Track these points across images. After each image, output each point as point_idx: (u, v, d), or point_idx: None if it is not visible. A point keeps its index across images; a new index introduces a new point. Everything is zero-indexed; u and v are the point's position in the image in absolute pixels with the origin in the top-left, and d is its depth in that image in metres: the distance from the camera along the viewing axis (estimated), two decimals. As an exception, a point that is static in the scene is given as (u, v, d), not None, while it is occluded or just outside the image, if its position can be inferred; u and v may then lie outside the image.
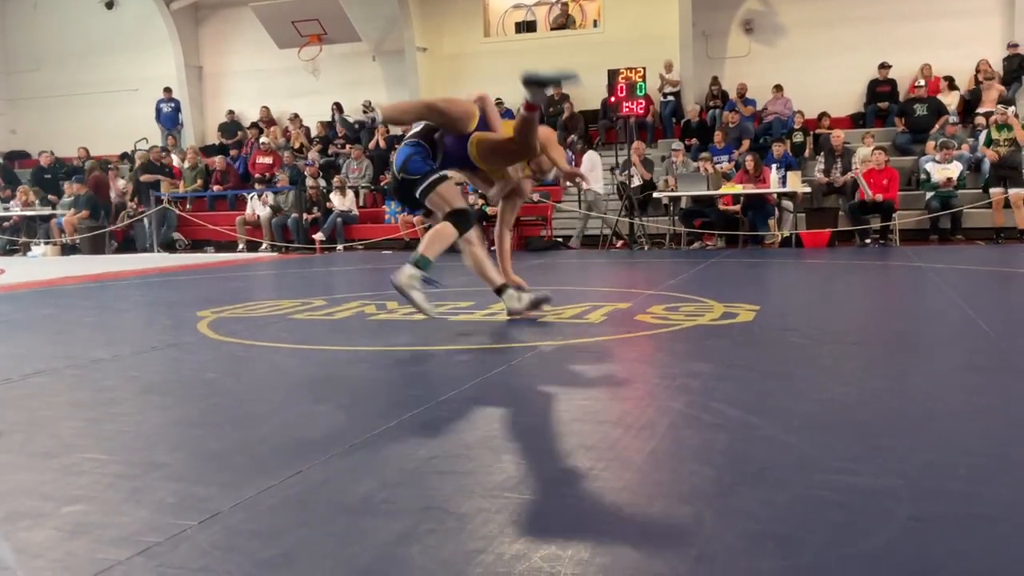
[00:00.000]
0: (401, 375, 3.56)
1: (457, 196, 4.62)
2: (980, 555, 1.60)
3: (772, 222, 11.31)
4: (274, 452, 2.37)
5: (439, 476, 2.12)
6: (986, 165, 11.53)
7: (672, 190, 11.65)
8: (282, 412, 2.86)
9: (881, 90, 13.76)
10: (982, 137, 11.86)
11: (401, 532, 1.76)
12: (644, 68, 11.78)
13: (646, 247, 11.51)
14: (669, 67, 14.41)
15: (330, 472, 2.17)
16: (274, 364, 3.84)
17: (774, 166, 11.30)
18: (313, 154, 15.16)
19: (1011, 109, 11.64)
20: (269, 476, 2.12)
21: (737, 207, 11.35)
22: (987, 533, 1.70)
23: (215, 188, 15.06)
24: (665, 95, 14.55)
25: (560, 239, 12.43)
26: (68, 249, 14.36)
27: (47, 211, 15.13)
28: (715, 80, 14.44)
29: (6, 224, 15.51)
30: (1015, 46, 13.15)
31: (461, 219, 4.50)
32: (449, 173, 4.60)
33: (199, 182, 15.20)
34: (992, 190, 11.02)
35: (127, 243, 14.75)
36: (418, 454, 2.32)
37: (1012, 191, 10.76)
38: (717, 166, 12.31)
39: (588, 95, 14.84)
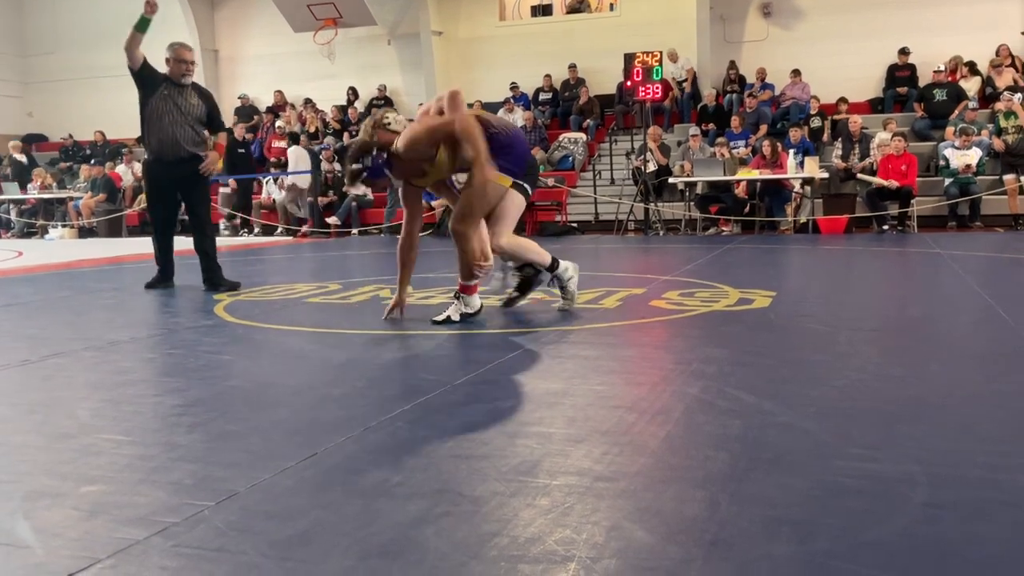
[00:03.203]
0: (416, 359, 3.57)
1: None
2: (997, 541, 1.59)
3: (789, 208, 11.23)
4: (290, 434, 2.38)
5: (454, 459, 2.13)
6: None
7: (688, 175, 11.59)
8: (298, 395, 2.87)
9: (900, 75, 13.61)
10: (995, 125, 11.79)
11: (416, 514, 1.76)
12: (661, 52, 11.70)
13: (661, 232, 11.47)
14: (674, 56, 14.29)
15: (345, 454, 2.18)
16: (290, 347, 3.85)
17: (791, 151, 11.22)
18: (329, 138, 15.16)
19: (1017, 96, 11.50)
20: (285, 458, 2.13)
21: (743, 192, 11.29)
22: (1004, 519, 1.69)
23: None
24: (679, 83, 14.45)
25: (574, 224, 12.40)
26: (85, 232, 14.44)
27: (64, 194, 15.22)
28: (732, 64, 14.33)
29: (24, 207, 15.62)
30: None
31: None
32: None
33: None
34: (1005, 177, 10.91)
35: (144, 226, 14.81)
36: (433, 437, 2.32)
37: (1010, 176, 10.74)
38: (734, 151, 12.23)
39: (604, 79, 14.77)
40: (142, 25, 5.85)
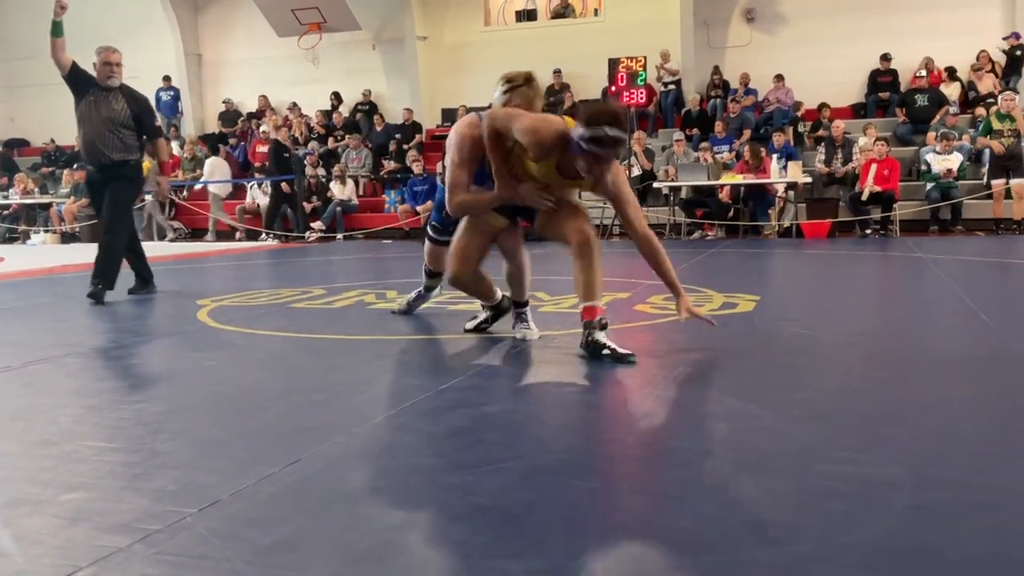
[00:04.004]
0: (400, 364, 3.56)
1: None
2: (979, 543, 1.60)
3: (772, 212, 11.29)
4: (274, 440, 2.37)
5: (438, 464, 2.12)
6: (986, 155, 11.41)
7: (672, 180, 11.62)
8: (282, 400, 2.86)
9: (883, 80, 13.72)
10: (982, 128, 11.81)
11: (400, 520, 1.76)
12: (645, 57, 11.74)
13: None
14: (666, 57, 14.36)
15: (330, 460, 2.17)
16: (274, 353, 3.83)
17: (775, 156, 11.27)
18: (313, 143, 15.13)
19: (1007, 95, 11.49)
20: (269, 464, 2.12)
21: (727, 197, 11.32)
22: (987, 521, 1.70)
23: (215, 177, 15.02)
24: (665, 85, 14.51)
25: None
26: (68, 237, 14.34)
27: (47, 199, 15.10)
28: (716, 69, 14.39)
29: (5, 212, 15.49)
30: (1016, 36, 13.10)
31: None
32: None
33: (198, 171, 15.18)
34: (994, 181, 10.90)
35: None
36: (417, 443, 2.32)
37: (1014, 181, 10.65)
38: (717, 156, 12.29)
39: (588, 84, 14.80)
40: (55, 30, 5.69)
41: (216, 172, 14.50)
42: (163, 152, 6.15)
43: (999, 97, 11.54)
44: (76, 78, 5.82)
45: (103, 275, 5.70)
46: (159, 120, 6.14)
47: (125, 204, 5.95)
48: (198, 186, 14.36)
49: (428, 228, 4.34)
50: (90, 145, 5.78)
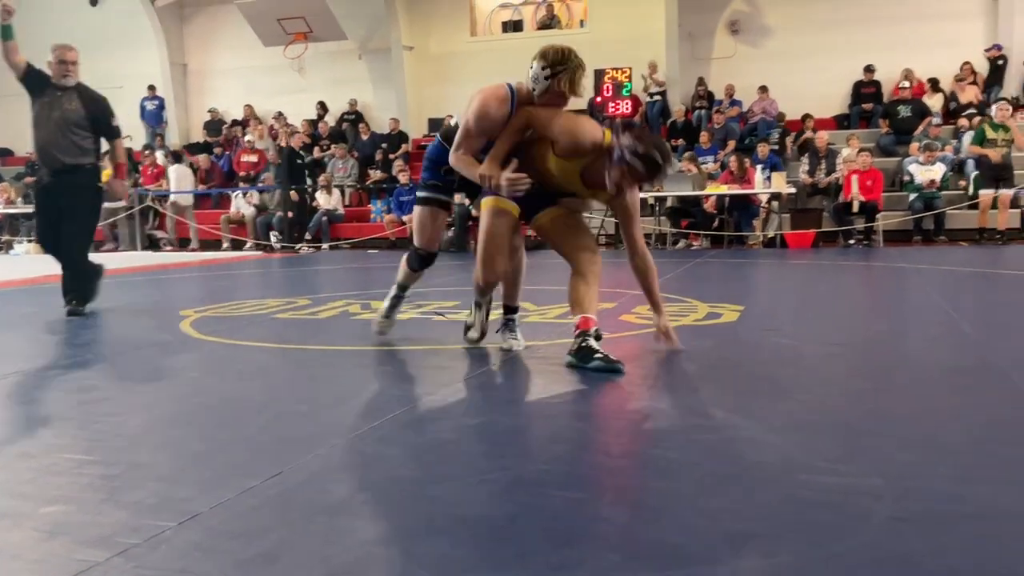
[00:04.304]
0: (385, 375, 3.55)
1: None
2: (961, 555, 1.61)
3: (757, 222, 11.34)
4: (255, 452, 2.35)
5: (421, 476, 2.11)
6: (969, 166, 11.46)
7: (658, 190, 11.66)
8: (264, 412, 2.85)
9: (866, 92, 13.85)
10: (965, 138, 11.86)
11: (383, 533, 1.75)
12: (630, 68, 11.80)
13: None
14: (653, 68, 14.43)
15: (312, 472, 2.16)
16: (257, 364, 3.81)
17: (759, 167, 11.33)
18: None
19: (1001, 104, 11.50)
20: (250, 476, 2.10)
21: (712, 207, 11.37)
22: (968, 532, 1.71)
23: (200, 187, 14.98)
24: (652, 95, 14.57)
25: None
26: (51, 247, 14.22)
27: (29, 208, 15.00)
28: (701, 81, 14.47)
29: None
30: (997, 48, 13.24)
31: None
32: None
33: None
34: (982, 192, 10.77)
35: (100, 243, 14.63)
36: (400, 455, 2.31)
37: (1002, 192, 10.62)
38: (702, 166, 12.34)
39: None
40: (5, 33, 5.48)
41: (182, 181, 14.35)
42: (120, 154, 5.84)
43: (994, 107, 11.48)
44: (32, 80, 5.57)
45: (75, 291, 5.53)
46: (117, 120, 5.80)
47: (84, 219, 5.65)
48: (173, 197, 14.22)
49: (420, 190, 3.95)
50: (43, 149, 5.52)
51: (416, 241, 4.00)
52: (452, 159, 3.61)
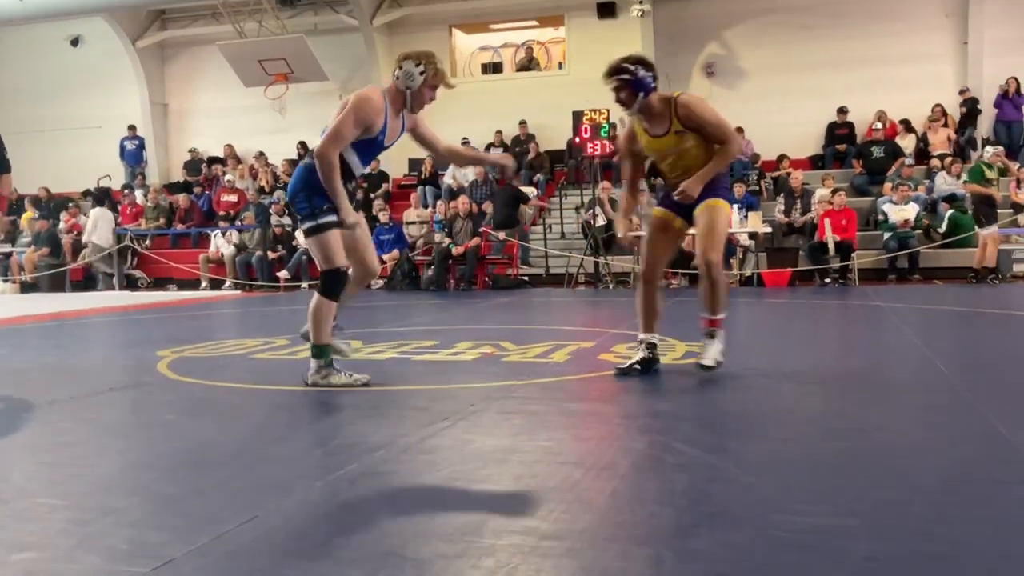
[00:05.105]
0: (363, 416, 3.53)
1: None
2: (933, 595, 1.62)
3: (734, 261, 11.44)
4: (230, 496, 2.33)
5: (398, 520, 2.11)
6: (940, 208, 11.65)
7: (636, 229, 11.75)
8: (240, 455, 2.83)
9: (840, 132, 14.08)
10: (938, 179, 12.09)
11: (358, 577, 1.74)
12: (608, 110, 11.93)
13: (611, 285, 11.58)
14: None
15: (287, 516, 2.14)
16: (234, 405, 3.79)
17: (736, 207, 11.45)
18: (279, 192, 15.11)
19: (999, 149, 11.70)
20: (224, 521, 2.09)
21: (690, 246, 11.45)
22: (942, 571, 1.72)
23: (179, 226, 14.94)
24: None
25: (525, 277, 12.46)
26: (27, 287, 14.12)
27: (7, 248, 14.90)
28: (678, 122, 14.66)
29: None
30: (965, 91, 13.50)
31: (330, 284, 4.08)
32: None
33: (162, 220, 15.11)
34: (984, 231, 10.66)
35: (88, 281, 14.54)
36: (377, 497, 2.30)
37: (988, 230, 10.65)
38: (681, 206, 12.44)
39: (553, 135, 15.00)
40: None
41: (101, 224, 14.20)
42: (5, 187, 5.64)
43: (989, 149, 11.71)
44: None
45: None
46: (8, 153, 5.53)
47: None
48: (95, 239, 14.09)
49: (322, 216, 3.99)
50: None
51: (335, 263, 4.02)
52: (327, 150, 3.87)
